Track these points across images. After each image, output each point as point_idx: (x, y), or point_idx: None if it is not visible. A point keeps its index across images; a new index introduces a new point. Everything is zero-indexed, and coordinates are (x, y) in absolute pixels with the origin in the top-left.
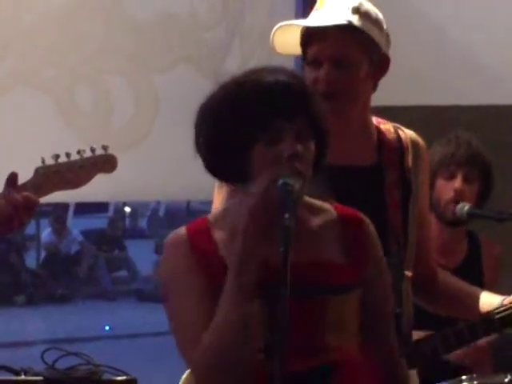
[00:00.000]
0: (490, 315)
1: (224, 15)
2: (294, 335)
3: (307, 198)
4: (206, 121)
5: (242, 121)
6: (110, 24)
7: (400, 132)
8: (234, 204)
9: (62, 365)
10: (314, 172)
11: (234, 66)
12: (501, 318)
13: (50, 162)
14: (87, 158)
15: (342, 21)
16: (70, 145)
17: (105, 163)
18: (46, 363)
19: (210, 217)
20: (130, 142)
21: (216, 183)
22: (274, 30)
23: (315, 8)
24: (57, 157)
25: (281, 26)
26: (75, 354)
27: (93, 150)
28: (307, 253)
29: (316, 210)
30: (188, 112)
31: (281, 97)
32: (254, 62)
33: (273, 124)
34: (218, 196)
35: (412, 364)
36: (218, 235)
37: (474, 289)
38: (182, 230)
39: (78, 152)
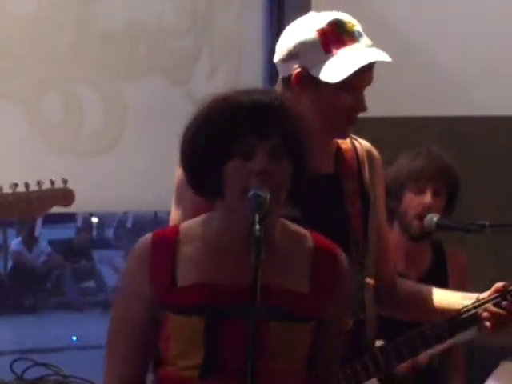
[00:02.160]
0: (438, 324)
1: (193, 24)
2: (231, 357)
3: (284, 221)
4: (185, 136)
5: (217, 135)
6: (80, 33)
7: (355, 142)
8: (210, 219)
9: (30, 375)
10: (292, 190)
11: (203, 74)
12: (451, 326)
13: (7, 190)
14: (45, 191)
15: (388, 58)
16: (38, 153)
17: (62, 197)
18: (14, 373)
19: (182, 227)
20: (98, 151)
21: (173, 199)
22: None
23: (352, 39)
24: (15, 186)
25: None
26: (44, 365)
27: (52, 182)
28: (267, 275)
29: (292, 234)
30: (157, 121)
31: (255, 114)
32: (223, 71)
33: (246, 139)
34: (175, 211)
35: (373, 374)
36: (185, 251)
37: (431, 289)
38: (148, 238)
39: (38, 183)
